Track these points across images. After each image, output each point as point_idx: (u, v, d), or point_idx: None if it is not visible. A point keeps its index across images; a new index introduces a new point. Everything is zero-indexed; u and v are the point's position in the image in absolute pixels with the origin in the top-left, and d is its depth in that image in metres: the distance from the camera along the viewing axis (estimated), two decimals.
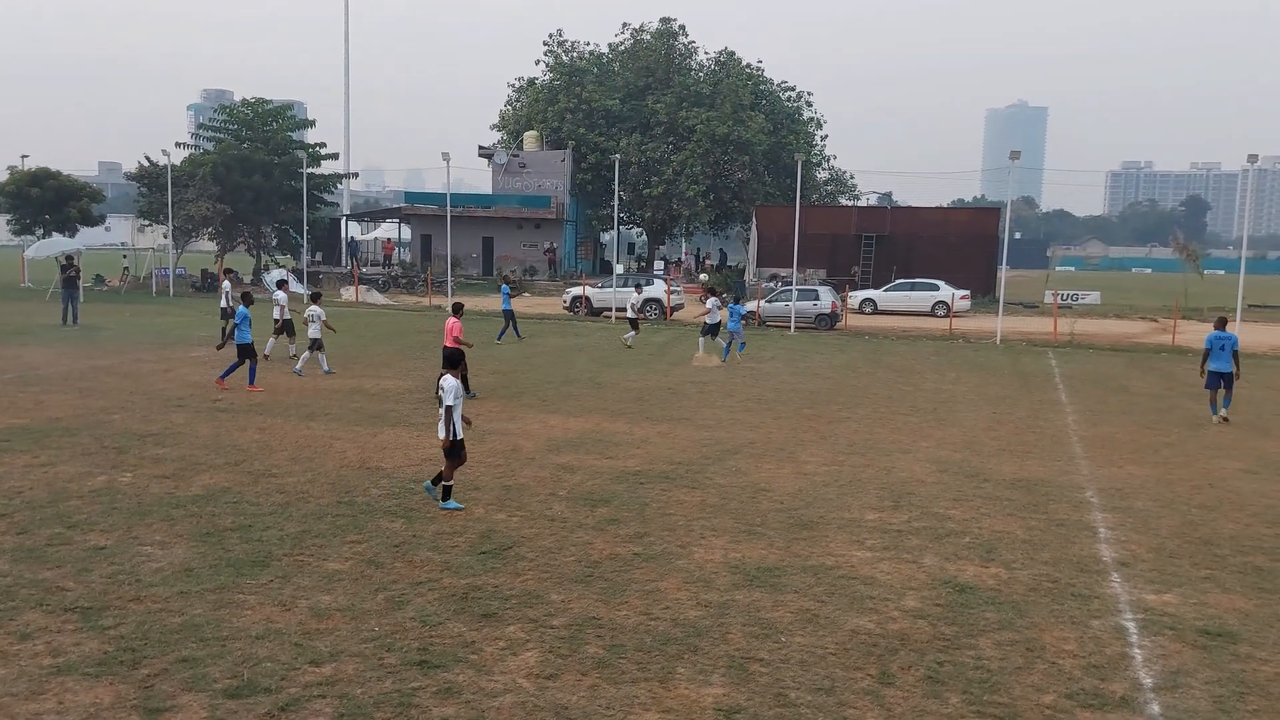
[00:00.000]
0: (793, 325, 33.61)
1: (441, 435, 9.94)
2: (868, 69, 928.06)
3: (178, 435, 13.28)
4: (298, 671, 6.22)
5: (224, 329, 18.82)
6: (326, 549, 8.64)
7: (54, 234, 48.27)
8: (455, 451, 9.99)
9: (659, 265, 58.17)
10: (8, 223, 52.08)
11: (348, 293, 45.39)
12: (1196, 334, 34.71)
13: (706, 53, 65.58)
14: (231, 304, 24.82)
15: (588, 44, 65.60)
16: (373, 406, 15.99)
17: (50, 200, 48.48)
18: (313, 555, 8.46)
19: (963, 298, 41.28)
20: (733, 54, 64.88)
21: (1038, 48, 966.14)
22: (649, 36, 63.80)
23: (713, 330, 24.59)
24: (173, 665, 6.26)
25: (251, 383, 17.49)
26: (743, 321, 26.00)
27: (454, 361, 10.77)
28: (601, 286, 40.69)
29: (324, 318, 19.83)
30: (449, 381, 9.92)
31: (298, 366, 19.59)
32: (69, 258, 36.07)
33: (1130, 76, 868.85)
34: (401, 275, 52.17)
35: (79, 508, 9.69)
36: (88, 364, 20.29)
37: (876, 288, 43.92)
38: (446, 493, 10.10)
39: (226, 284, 27.61)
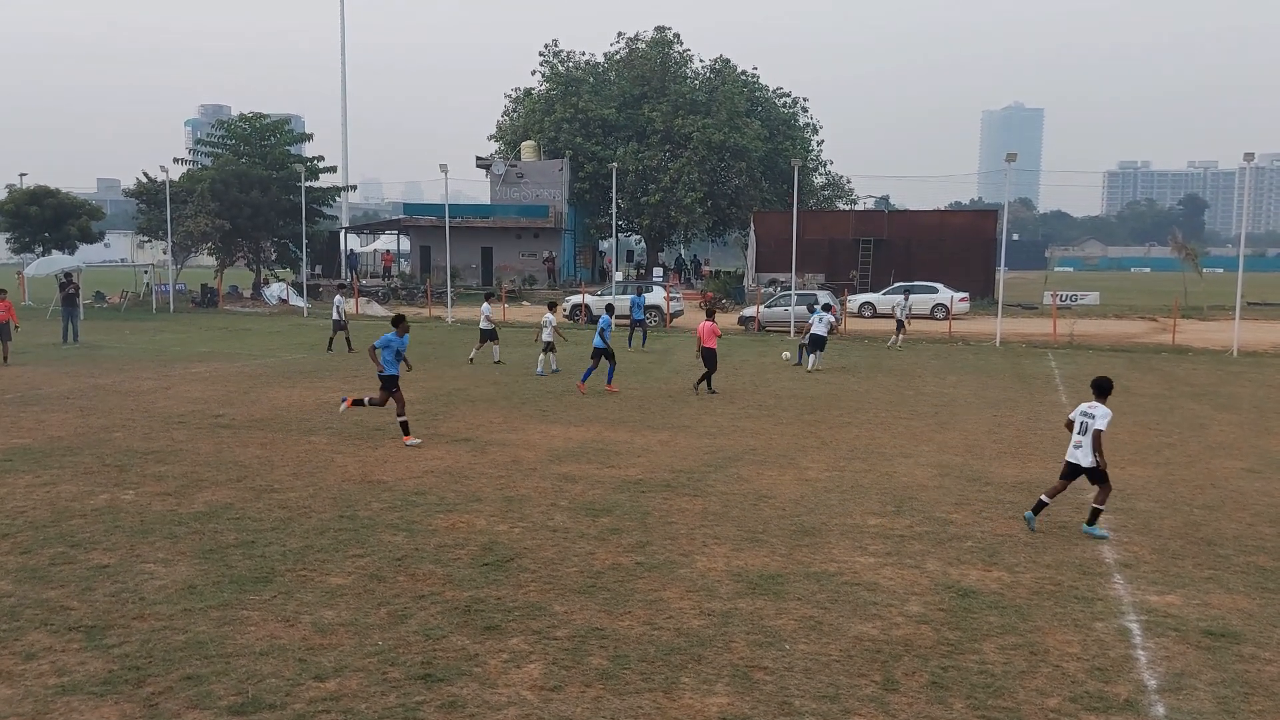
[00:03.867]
0: (792, 330, 33.63)
1: (1089, 462, 9.65)
2: (863, 73, 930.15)
3: (179, 452, 13.29)
4: (302, 687, 6.22)
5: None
6: (329, 564, 8.65)
7: (53, 252, 48.42)
8: (1104, 476, 9.72)
9: (658, 272, 58.22)
10: (7, 241, 52.20)
11: (347, 305, 45.42)
12: (1197, 333, 34.77)
13: (701, 60, 65.87)
14: (344, 316, 27.78)
15: (583, 54, 65.96)
16: (373, 419, 15.99)
17: (49, 218, 48.60)
18: (315, 570, 8.47)
19: (961, 300, 41.33)
20: (728, 61, 65.11)
21: (1033, 49, 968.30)
22: (644, 46, 64.00)
23: (819, 342, 23.72)
24: (177, 683, 6.26)
25: (610, 381, 19.60)
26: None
27: (1105, 390, 9.91)
28: (601, 294, 40.71)
29: (554, 323, 22.31)
30: (1102, 409, 9.66)
31: (538, 370, 22.19)
32: (68, 275, 36.14)
33: (1126, 76, 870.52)
34: (401, 287, 52.22)
35: (82, 527, 9.69)
36: (89, 382, 20.32)
37: (875, 291, 43.97)
38: (1095, 516, 9.87)
39: (339, 298, 28.96)
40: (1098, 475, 9.73)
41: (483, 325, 23.72)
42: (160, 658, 6.63)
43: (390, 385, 13.99)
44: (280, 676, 6.36)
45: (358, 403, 14.64)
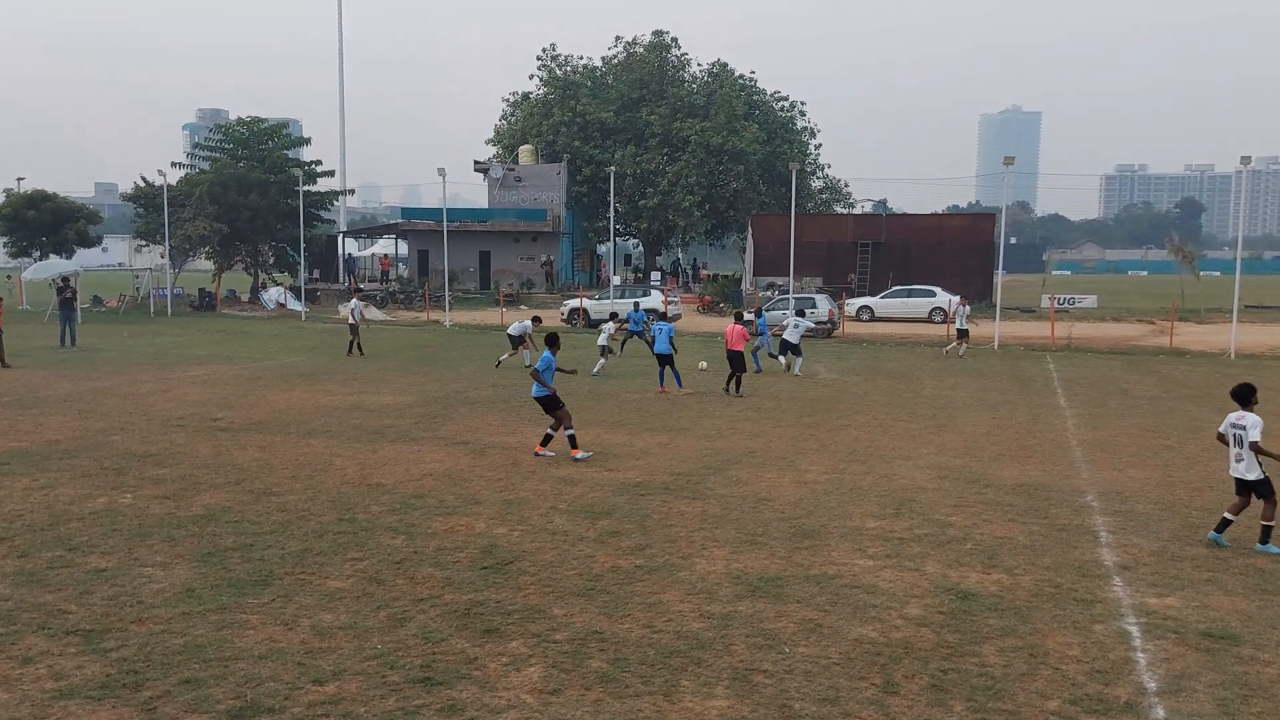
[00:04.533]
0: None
1: (1254, 476, 9.39)
2: (860, 77, 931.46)
3: (178, 455, 13.27)
4: (301, 691, 6.20)
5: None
6: (328, 567, 8.63)
7: (51, 256, 48.39)
8: (1270, 489, 9.44)
9: (655, 276, 58.26)
10: (5, 245, 52.14)
11: (345, 309, 45.40)
12: (1194, 336, 34.80)
13: (699, 64, 65.96)
14: (360, 320, 27.96)
15: (581, 58, 66.09)
16: (372, 422, 15.99)
17: (47, 222, 48.59)
18: (314, 573, 8.45)
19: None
20: (725, 65, 65.19)
21: (1030, 52, 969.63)
22: (642, 49, 64.11)
23: (792, 348, 23.59)
24: (175, 687, 6.24)
25: (661, 385, 20.30)
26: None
27: (1246, 397, 9.60)
28: (598, 298, 40.72)
29: (613, 332, 24.91)
30: (1251, 418, 9.41)
31: (594, 370, 23.06)
32: (65, 279, 36.15)
33: (1123, 80, 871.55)
34: (399, 291, 52.21)
35: (80, 530, 9.67)
36: (86, 385, 20.29)
37: (873, 295, 44.00)
38: (1266, 534, 9.54)
39: (355, 301, 28.96)
40: (1264, 489, 9.45)
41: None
42: (158, 661, 6.61)
43: (554, 404, 13.45)
44: (279, 680, 6.35)
45: (545, 441, 13.65)
